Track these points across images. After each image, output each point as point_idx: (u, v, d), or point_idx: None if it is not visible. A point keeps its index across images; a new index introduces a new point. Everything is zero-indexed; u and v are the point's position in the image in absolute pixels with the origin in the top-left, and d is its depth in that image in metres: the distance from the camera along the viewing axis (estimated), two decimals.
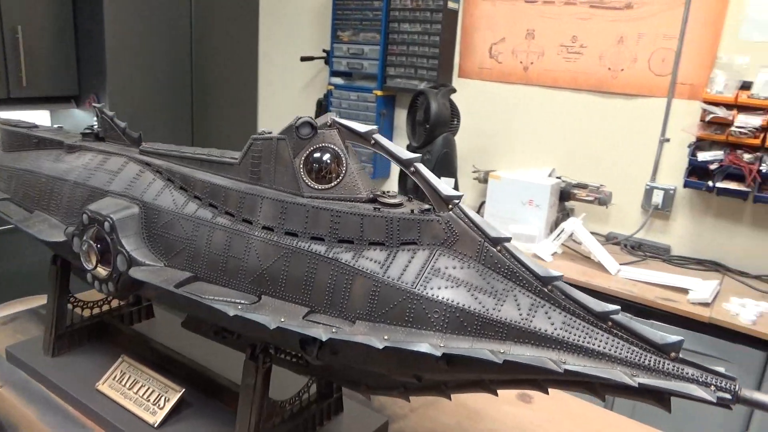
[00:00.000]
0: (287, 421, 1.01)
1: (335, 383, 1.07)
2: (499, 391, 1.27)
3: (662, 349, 0.64)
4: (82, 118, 3.47)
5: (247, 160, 0.91)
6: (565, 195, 2.84)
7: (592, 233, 2.60)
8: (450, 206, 0.76)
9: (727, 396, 0.60)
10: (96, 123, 1.23)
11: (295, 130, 0.85)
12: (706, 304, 2.20)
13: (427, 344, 0.70)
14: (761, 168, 2.40)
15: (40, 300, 1.62)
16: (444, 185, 0.77)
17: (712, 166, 2.51)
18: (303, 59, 3.72)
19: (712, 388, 0.60)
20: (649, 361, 0.64)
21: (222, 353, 1.16)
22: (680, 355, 0.63)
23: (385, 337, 0.72)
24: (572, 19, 2.92)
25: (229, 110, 4.02)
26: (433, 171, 0.79)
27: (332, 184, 0.84)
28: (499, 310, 0.71)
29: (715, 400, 0.59)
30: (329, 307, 0.79)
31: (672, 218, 2.79)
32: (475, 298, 0.72)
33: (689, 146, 2.61)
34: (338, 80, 3.60)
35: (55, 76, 3.32)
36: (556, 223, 2.76)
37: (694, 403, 0.62)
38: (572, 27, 2.92)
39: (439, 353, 0.68)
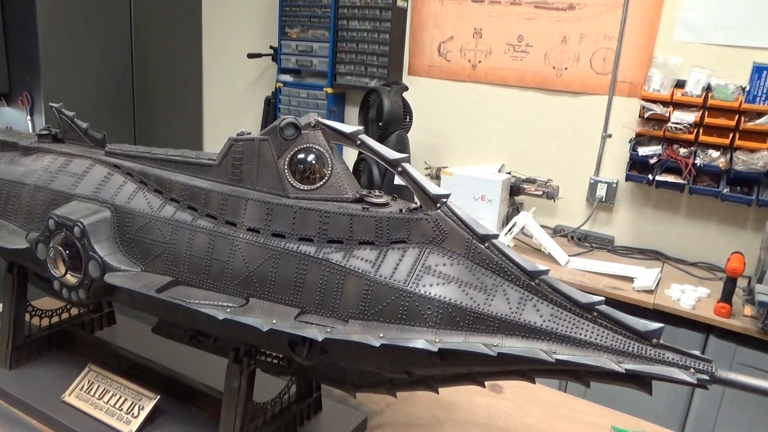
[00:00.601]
0: (269, 423, 1.01)
1: (318, 382, 1.08)
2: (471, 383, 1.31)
3: (644, 336, 0.68)
4: (13, 116, 3.28)
5: (227, 162, 0.90)
6: (515, 190, 2.93)
7: (541, 226, 2.70)
8: (438, 205, 0.78)
9: (705, 377, 0.65)
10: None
11: (278, 131, 0.85)
12: (650, 291, 2.33)
13: (423, 340, 0.71)
14: (696, 162, 2.56)
15: None
16: (432, 184, 0.79)
17: (652, 160, 2.66)
18: (250, 56, 3.65)
19: (692, 370, 0.65)
20: (633, 348, 0.68)
21: (194, 358, 1.15)
22: (661, 341, 0.68)
23: (381, 335, 0.73)
24: (518, 19, 3.00)
25: (172, 108, 3.89)
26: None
27: (318, 185, 0.84)
28: (489, 305, 0.73)
29: (695, 382, 0.64)
30: (321, 308, 0.79)
31: (615, 210, 2.93)
32: (466, 294, 0.74)
33: (630, 141, 2.74)
34: (287, 77, 3.57)
35: None
36: (507, 218, 2.84)
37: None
38: (518, 27, 3.01)
39: (435, 348, 0.70)
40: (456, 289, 0.75)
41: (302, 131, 0.85)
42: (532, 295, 0.73)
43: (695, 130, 2.56)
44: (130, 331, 1.37)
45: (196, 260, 0.87)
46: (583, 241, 2.89)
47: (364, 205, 0.82)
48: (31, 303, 1.25)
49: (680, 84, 2.61)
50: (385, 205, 0.83)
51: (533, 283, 0.74)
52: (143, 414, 1.05)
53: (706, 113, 2.53)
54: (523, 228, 2.68)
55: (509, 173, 2.99)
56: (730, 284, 2.15)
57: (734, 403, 2.17)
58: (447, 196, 0.79)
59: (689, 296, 2.26)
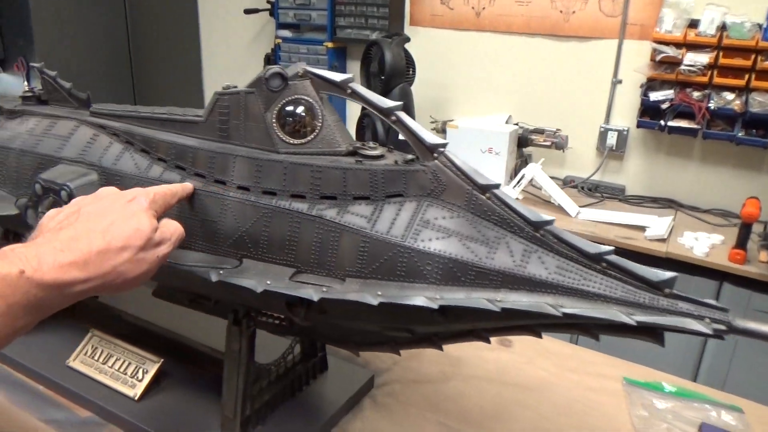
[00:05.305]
0: (274, 384, 1.00)
1: (320, 342, 1.06)
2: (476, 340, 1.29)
3: (656, 286, 0.64)
4: (9, 82, 3.23)
5: (213, 118, 0.86)
6: (522, 141, 2.86)
7: (550, 177, 2.64)
8: (435, 155, 0.74)
9: (722, 327, 0.61)
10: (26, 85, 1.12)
11: (264, 83, 0.80)
12: (662, 240, 2.29)
13: (422, 297, 0.68)
14: (709, 105, 2.47)
15: None
16: (428, 133, 0.74)
17: (663, 106, 2.57)
18: (247, 12, 3.55)
19: (707, 320, 0.61)
20: (644, 298, 0.64)
21: (197, 320, 1.12)
22: (674, 290, 0.64)
23: (379, 293, 0.70)
24: None
25: (171, 69, 3.82)
26: None
27: (309, 138, 0.80)
28: (492, 258, 0.70)
29: (711, 332, 0.60)
30: (317, 267, 0.76)
31: (626, 158, 2.86)
32: (468, 248, 0.70)
33: (641, 86, 2.65)
34: (286, 33, 3.47)
35: None
36: (515, 170, 2.78)
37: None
38: None
39: (435, 306, 0.67)
40: (457, 242, 0.71)
41: (289, 82, 0.80)
42: (537, 247, 0.69)
43: (709, 72, 2.46)
44: (132, 295, 1.34)
45: (187, 221, 0.84)
46: (594, 191, 2.83)
47: (357, 158, 0.78)
48: None
49: (693, 24, 2.49)
50: (380, 157, 0.78)
51: (538, 234, 0.70)
52: (148, 377, 1.04)
53: (721, 54, 2.42)
54: (531, 180, 2.62)
55: (516, 124, 2.91)
56: (744, 230, 2.10)
57: (748, 352, 2.15)
58: (444, 145, 0.74)
59: (702, 243, 2.22)
